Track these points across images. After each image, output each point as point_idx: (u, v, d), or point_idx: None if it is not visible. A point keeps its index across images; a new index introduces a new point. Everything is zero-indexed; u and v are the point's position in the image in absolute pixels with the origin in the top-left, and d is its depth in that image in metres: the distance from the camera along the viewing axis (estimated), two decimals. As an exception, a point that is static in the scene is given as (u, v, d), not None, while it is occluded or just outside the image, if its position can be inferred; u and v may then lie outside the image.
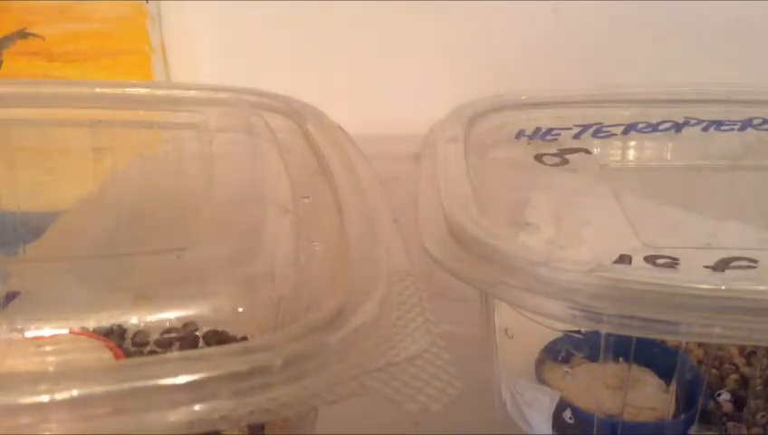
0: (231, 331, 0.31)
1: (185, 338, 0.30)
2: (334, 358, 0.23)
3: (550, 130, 0.41)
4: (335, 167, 0.34)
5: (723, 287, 0.25)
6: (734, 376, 0.33)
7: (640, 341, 0.30)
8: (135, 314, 0.30)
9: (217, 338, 0.31)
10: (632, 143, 0.41)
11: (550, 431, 0.32)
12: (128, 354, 0.29)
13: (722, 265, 0.30)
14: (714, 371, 0.33)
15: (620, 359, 0.31)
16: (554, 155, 0.39)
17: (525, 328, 0.32)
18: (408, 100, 0.54)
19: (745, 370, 0.33)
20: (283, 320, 0.29)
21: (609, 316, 0.26)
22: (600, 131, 0.41)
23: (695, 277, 0.26)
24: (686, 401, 0.31)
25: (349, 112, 0.40)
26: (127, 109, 0.41)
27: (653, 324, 0.25)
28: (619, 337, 0.30)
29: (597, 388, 0.31)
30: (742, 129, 0.41)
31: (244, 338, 0.30)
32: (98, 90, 0.41)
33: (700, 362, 0.32)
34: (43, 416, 0.20)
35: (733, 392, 0.32)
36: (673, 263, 0.30)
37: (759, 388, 0.31)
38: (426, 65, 0.54)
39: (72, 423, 0.20)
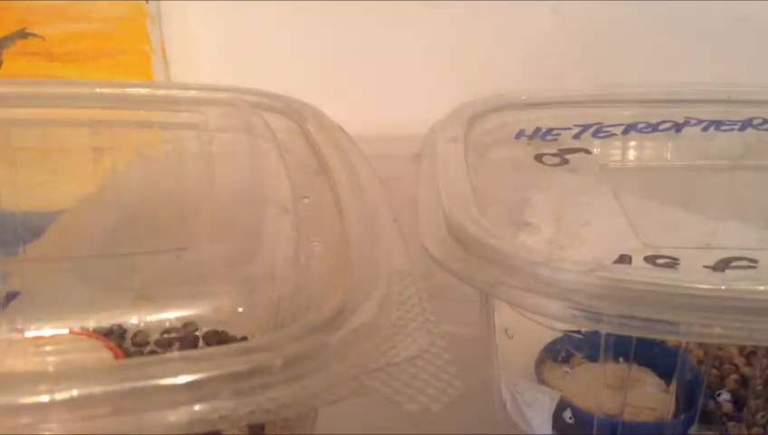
0: (231, 331, 0.31)
1: (185, 338, 0.30)
2: (334, 358, 0.23)
3: (550, 130, 0.41)
4: (335, 167, 0.34)
5: (723, 287, 0.25)
6: (734, 376, 0.33)
7: (640, 341, 0.30)
8: (135, 314, 0.30)
9: (217, 338, 0.31)
10: (632, 143, 0.41)
11: (550, 431, 0.32)
12: (128, 354, 0.29)
13: (722, 265, 0.30)
14: (714, 371, 0.33)
15: (620, 359, 0.31)
16: (554, 155, 0.39)
17: (525, 328, 0.32)
18: (408, 100, 0.54)
19: (745, 370, 0.33)
20: (283, 320, 0.29)
21: (609, 316, 0.26)
22: (600, 131, 0.41)
23: (695, 277, 0.26)
24: (686, 401, 0.31)
25: (349, 112, 0.40)
26: (127, 109, 0.41)
27: (653, 324, 0.25)
28: (619, 337, 0.30)
29: (597, 388, 0.31)
30: (742, 129, 0.41)
31: (244, 338, 0.30)
32: (98, 90, 0.41)
33: (700, 362, 0.32)
34: (43, 416, 0.20)
35: (733, 392, 0.32)
36: (673, 263, 0.30)
37: (759, 388, 0.31)
38: (426, 65, 0.54)
39: (72, 423, 0.20)
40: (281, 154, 0.37)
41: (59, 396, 0.20)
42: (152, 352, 0.30)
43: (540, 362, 0.33)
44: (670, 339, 0.32)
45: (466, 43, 0.53)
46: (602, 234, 0.33)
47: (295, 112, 0.40)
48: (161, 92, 0.42)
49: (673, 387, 0.31)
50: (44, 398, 0.20)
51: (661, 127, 0.41)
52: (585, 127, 0.41)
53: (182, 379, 0.21)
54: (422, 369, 0.24)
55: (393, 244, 0.29)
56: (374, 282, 0.26)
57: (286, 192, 0.34)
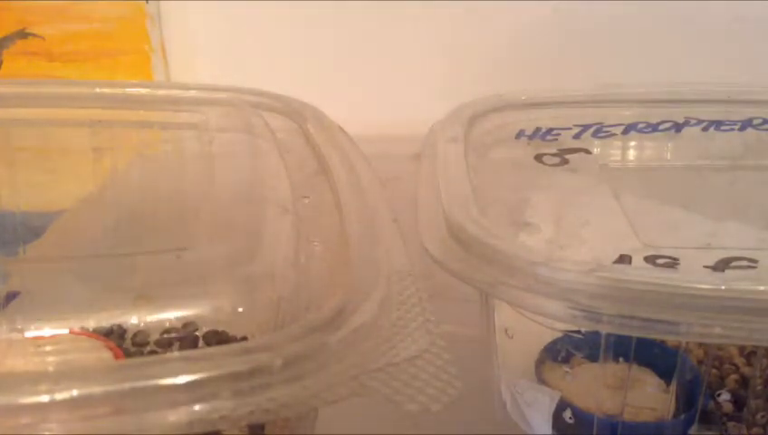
0: (231, 331, 0.31)
1: (185, 338, 0.30)
2: (334, 358, 0.23)
3: (550, 130, 0.41)
4: (335, 167, 0.34)
5: (723, 287, 0.25)
6: (734, 376, 0.33)
7: (640, 341, 0.30)
8: (135, 314, 0.30)
9: (217, 338, 0.31)
10: (632, 143, 0.41)
11: (550, 431, 0.32)
12: (128, 354, 0.29)
13: (722, 265, 0.30)
14: (714, 371, 0.33)
15: (620, 359, 0.31)
16: (554, 155, 0.39)
17: (525, 328, 0.32)
18: (408, 100, 0.54)
19: (745, 370, 0.33)
20: (283, 320, 0.29)
21: (609, 316, 0.26)
22: (600, 131, 0.41)
23: (695, 277, 0.26)
24: (686, 401, 0.31)
25: (349, 112, 0.40)
26: (127, 109, 0.41)
27: (653, 324, 0.25)
28: (619, 337, 0.30)
29: (597, 388, 0.31)
30: (742, 129, 0.41)
31: (244, 338, 0.30)
32: (98, 90, 0.41)
33: (700, 362, 0.32)
34: (43, 416, 0.20)
35: (733, 392, 0.32)
36: (673, 263, 0.30)
37: (759, 388, 0.31)
38: (426, 65, 0.54)
39: (72, 423, 0.20)
40: (281, 154, 0.37)
41: (59, 396, 0.20)
42: (152, 352, 0.30)
43: (540, 362, 0.33)
44: (670, 339, 0.32)
45: (466, 43, 0.53)
46: (602, 234, 0.33)
47: (295, 112, 0.40)
48: (161, 92, 0.42)
49: (673, 387, 0.31)
50: (44, 398, 0.20)
51: (661, 127, 0.41)
52: (585, 127, 0.41)
53: (182, 379, 0.21)
54: (422, 369, 0.24)
55: (393, 244, 0.29)
56: (374, 282, 0.26)
57: (286, 192, 0.34)
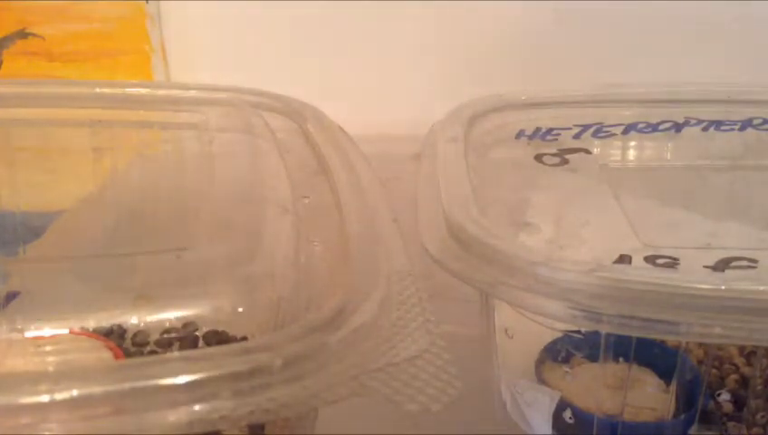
0: (231, 331, 0.31)
1: (185, 338, 0.30)
2: (334, 358, 0.23)
3: (550, 130, 0.41)
4: (335, 167, 0.34)
5: (723, 287, 0.25)
6: (734, 376, 0.33)
7: (640, 341, 0.30)
8: (135, 314, 0.30)
9: (217, 338, 0.31)
10: (632, 143, 0.41)
11: (550, 431, 0.32)
12: (128, 354, 0.29)
13: (722, 265, 0.30)
14: (714, 371, 0.33)
15: (620, 359, 0.31)
16: (554, 155, 0.39)
17: (525, 328, 0.32)
18: (408, 100, 0.54)
19: (745, 370, 0.33)
20: (283, 320, 0.29)
21: (609, 316, 0.26)
22: (600, 131, 0.41)
23: (695, 277, 0.26)
24: (686, 401, 0.31)
25: (349, 112, 0.40)
26: (127, 109, 0.41)
27: (653, 324, 0.25)
28: (619, 337, 0.30)
29: (597, 388, 0.31)
30: (742, 129, 0.41)
31: (244, 338, 0.30)
32: (98, 90, 0.41)
33: (700, 362, 0.32)
34: (43, 416, 0.20)
35: (733, 392, 0.32)
36: (673, 263, 0.30)
37: (759, 388, 0.31)
38: (426, 65, 0.54)
39: (72, 423, 0.20)
40: (281, 154, 0.37)
41: (59, 396, 0.20)
42: (152, 352, 0.30)
43: (540, 362, 0.33)
44: (670, 339, 0.32)
45: (466, 42, 0.53)
46: (602, 234, 0.33)
47: (295, 112, 0.40)
48: (161, 92, 0.42)
49: (673, 387, 0.31)
50: (44, 398, 0.20)
51: (661, 127, 0.41)
52: (585, 127, 0.41)
53: (182, 379, 0.21)
54: (422, 369, 0.24)
55: (393, 244, 0.29)
56: (374, 282, 0.26)
57: (286, 192, 0.34)
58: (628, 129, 0.41)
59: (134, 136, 0.41)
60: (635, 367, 0.31)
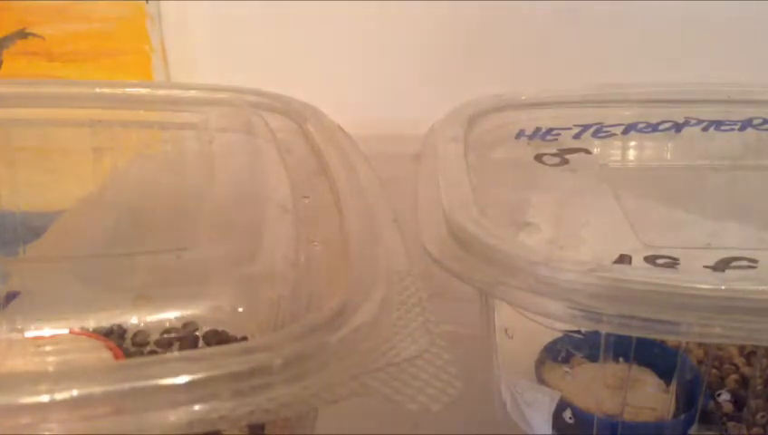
0: (231, 331, 0.31)
1: (185, 338, 0.30)
2: (334, 358, 0.23)
3: (550, 130, 0.41)
4: (335, 167, 0.34)
5: (723, 287, 0.25)
6: (734, 376, 0.33)
7: (640, 341, 0.30)
8: (135, 314, 0.30)
9: (217, 338, 0.31)
10: (632, 143, 0.41)
11: (550, 431, 0.32)
12: (128, 354, 0.29)
13: (722, 265, 0.30)
14: (714, 371, 0.33)
15: (620, 359, 0.31)
16: (554, 155, 0.39)
17: (525, 328, 0.32)
18: (408, 100, 0.54)
19: (745, 370, 0.33)
20: (283, 320, 0.29)
21: (609, 316, 0.26)
22: (600, 131, 0.41)
23: (695, 277, 0.26)
24: (686, 401, 0.31)
25: (349, 112, 0.40)
26: (127, 109, 0.41)
27: (653, 324, 0.25)
28: (619, 337, 0.30)
29: (597, 388, 0.31)
30: (742, 129, 0.41)
31: (244, 338, 0.30)
32: (98, 90, 0.41)
33: (700, 362, 0.32)
34: (43, 416, 0.20)
35: (733, 392, 0.32)
36: (673, 263, 0.30)
37: (759, 388, 0.31)
38: (426, 65, 0.54)
39: (72, 423, 0.20)
40: (281, 154, 0.37)
41: (59, 396, 0.20)
42: (152, 352, 0.30)
43: (540, 362, 0.33)
44: (670, 339, 0.32)
45: (466, 42, 0.53)
46: (602, 234, 0.33)
47: (295, 112, 0.40)
48: (161, 92, 0.42)
49: (673, 387, 0.31)
50: (44, 398, 0.20)
51: (661, 127, 0.41)
52: (585, 127, 0.41)
53: (182, 379, 0.21)
54: (422, 369, 0.24)
55: (393, 244, 0.29)
56: (374, 282, 0.26)
57: (286, 192, 0.34)
58: (628, 129, 0.41)
59: (134, 136, 0.41)
60: (635, 367, 0.31)
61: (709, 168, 0.40)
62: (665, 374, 0.32)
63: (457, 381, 0.23)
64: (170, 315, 0.31)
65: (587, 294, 0.26)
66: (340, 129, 0.39)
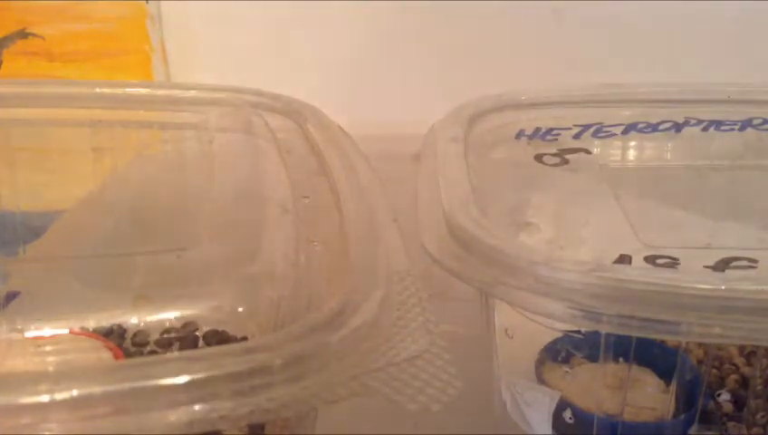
0: (231, 331, 0.31)
1: (185, 338, 0.30)
2: (334, 358, 0.23)
3: (550, 130, 0.41)
4: (335, 167, 0.34)
5: (723, 287, 0.25)
6: (734, 376, 0.33)
7: (640, 341, 0.30)
8: (135, 314, 0.30)
9: (217, 338, 0.31)
10: (632, 143, 0.41)
11: (550, 431, 0.32)
12: (128, 354, 0.29)
13: (722, 265, 0.30)
14: (714, 371, 0.33)
15: (620, 359, 0.31)
16: (554, 155, 0.39)
17: (525, 328, 0.32)
18: (408, 100, 0.54)
19: (745, 370, 0.33)
20: (283, 320, 0.29)
21: (609, 316, 0.26)
22: (600, 131, 0.41)
23: (695, 277, 0.26)
24: (686, 401, 0.31)
25: (349, 112, 0.40)
26: (127, 109, 0.41)
27: (653, 324, 0.25)
28: (619, 337, 0.30)
29: (597, 388, 0.31)
30: (742, 129, 0.41)
31: (244, 338, 0.30)
32: (98, 90, 0.41)
33: (700, 362, 0.32)
34: (43, 416, 0.20)
35: (733, 392, 0.32)
36: (673, 263, 0.30)
37: (759, 388, 0.31)
38: (426, 65, 0.54)
39: (72, 423, 0.20)
40: (281, 154, 0.37)
41: (59, 396, 0.20)
42: (152, 352, 0.30)
43: (540, 362, 0.33)
44: (670, 339, 0.32)
45: (466, 43, 0.53)
46: (602, 234, 0.33)
47: (295, 112, 0.40)
48: (161, 92, 0.42)
49: (673, 387, 0.31)
50: (44, 398, 0.20)
51: (661, 127, 0.41)
52: (585, 127, 0.41)
53: (182, 379, 0.21)
54: (422, 369, 0.24)
55: (393, 244, 0.29)
56: (374, 282, 0.26)
57: (286, 192, 0.34)
58: (628, 129, 0.41)
59: (134, 136, 0.41)
60: (635, 367, 0.31)
61: (709, 168, 0.40)
62: (665, 374, 0.32)
63: (457, 381, 0.23)
64: (170, 315, 0.30)
65: (587, 294, 0.26)
66: (340, 129, 0.39)
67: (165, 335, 0.31)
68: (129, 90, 0.42)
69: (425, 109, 0.40)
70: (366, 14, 0.53)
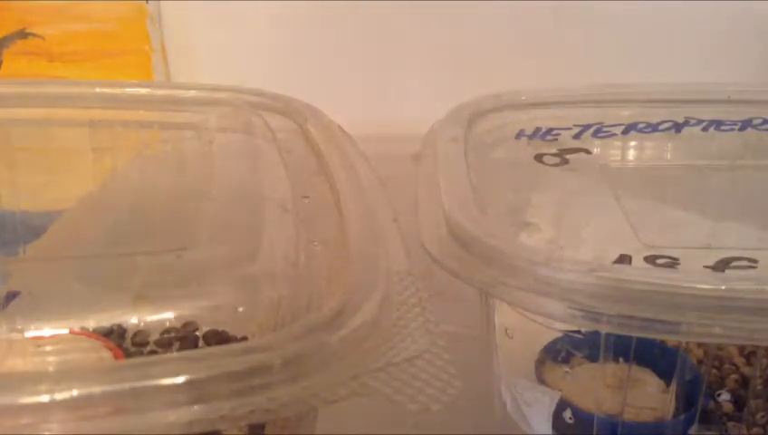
0: (231, 331, 0.31)
1: (185, 338, 0.30)
2: (334, 358, 0.23)
3: (550, 130, 0.41)
4: (335, 167, 0.34)
5: (723, 287, 0.25)
6: (734, 376, 0.33)
7: (640, 341, 0.30)
8: (135, 314, 0.30)
9: (217, 338, 0.31)
10: (632, 143, 0.41)
11: (550, 431, 0.32)
12: (128, 354, 0.29)
13: (722, 265, 0.30)
14: (714, 371, 0.33)
15: (620, 359, 0.31)
16: (554, 155, 0.39)
17: (525, 328, 0.32)
18: (408, 100, 0.54)
19: (745, 370, 0.33)
20: (283, 320, 0.29)
21: (609, 316, 0.26)
22: (600, 131, 0.41)
23: (695, 277, 0.26)
24: (686, 401, 0.31)
25: (349, 112, 0.40)
26: (127, 109, 0.41)
27: (653, 324, 0.25)
28: (619, 337, 0.30)
29: (597, 388, 0.31)
30: (742, 129, 0.41)
31: (244, 338, 0.30)
32: (98, 90, 0.41)
33: (700, 362, 0.32)
34: (43, 416, 0.20)
35: (733, 392, 0.32)
36: (673, 263, 0.30)
37: (759, 388, 0.31)
38: (426, 65, 0.54)
39: (72, 423, 0.20)
40: (281, 154, 0.37)
41: (59, 396, 0.20)
42: (152, 352, 0.30)
43: (540, 362, 0.33)
44: (670, 339, 0.32)
45: (466, 43, 0.53)
46: (602, 234, 0.33)
47: (295, 112, 0.40)
48: (161, 92, 0.42)
49: (673, 387, 0.31)
50: (44, 398, 0.20)
51: (661, 127, 0.41)
52: (585, 127, 0.41)
53: (182, 379, 0.21)
54: (422, 369, 0.24)
55: (393, 244, 0.29)
56: (374, 282, 0.26)
57: (286, 192, 0.34)
58: (628, 129, 0.41)
59: (134, 136, 0.41)
60: (635, 367, 0.31)
61: (709, 168, 0.40)
62: (665, 374, 0.32)
63: (457, 381, 0.23)
64: (170, 315, 0.30)
65: (587, 294, 0.26)
66: (341, 129, 0.39)
67: (165, 335, 0.31)
68: (128, 90, 0.42)
69: (425, 109, 0.40)
70: (366, 14, 0.53)
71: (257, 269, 0.30)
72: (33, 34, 0.54)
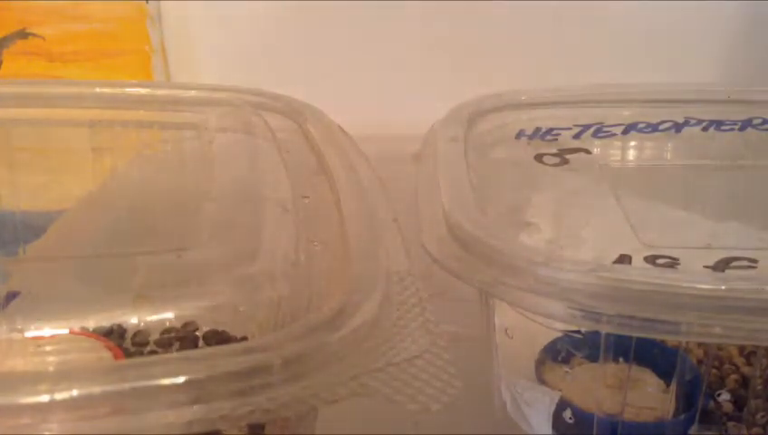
0: (231, 331, 0.31)
1: (185, 338, 0.30)
2: (334, 358, 0.23)
3: (550, 130, 0.41)
4: (335, 167, 0.34)
5: (723, 287, 0.25)
6: (734, 376, 0.33)
7: (640, 341, 0.30)
8: (135, 314, 0.30)
9: (217, 338, 0.31)
10: (632, 143, 0.41)
11: (550, 431, 0.32)
12: (128, 354, 0.29)
13: (722, 265, 0.30)
14: (714, 371, 0.33)
15: (620, 359, 0.31)
16: (554, 155, 0.39)
17: (525, 328, 0.32)
18: (408, 100, 0.54)
19: (745, 370, 0.33)
20: (283, 320, 0.29)
21: (609, 316, 0.26)
22: (600, 131, 0.41)
23: (695, 277, 0.26)
24: (686, 401, 0.31)
25: (349, 112, 0.40)
26: (127, 109, 0.41)
27: (653, 324, 0.25)
28: (619, 337, 0.30)
29: (597, 388, 0.31)
30: (742, 129, 0.41)
31: (244, 338, 0.30)
32: (98, 90, 0.41)
33: (700, 362, 0.32)
34: (43, 416, 0.20)
35: (733, 392, 0.32)
36: (673, 263, 0.30)
37: (759, 388, 0.31)
38: (426, 65, 0.54)
39: (72, 423, 0.20)
40: (281, 154, 0.37)
41: (59, 396, 0.20)
42: (152, 352, 0.30)
43: (540, 362, 0.33)
44: (670, 339, 0.32)
45: (466, 43, 0.53)
46: (602, 234, 0.33)
47: (295, 112, 0.40)
48: (161, 92, 0.42)
49: (673, 387, 0.31)
50: (44, 398, 0.20)
51: (661, 127, 0.41)
52: (585, 127, 0.41)
53: (182, 379, 0.21)
54: (422, 369, 0.24)
55: (393, 244, 0.29)
56: (374, 282, 0.26)
57: (286, 192, 0.34)
58: (628, 129, 0.41)
59: (134, 136, 0.41)
60: (635, 367, 0.31)
61: (709, 168, 0.40)
62: (665, 374, 0.32)
63: (457, 381, 0.23)
64: (170, 315, 0.30)
65: (587, 294, 0.26)
66: (341, 129, 0.39)
67: (165, 335, 0.31)
68: (128, 90, 0.42)
69: (425, 109, 0.40)
70: (366, 14, 0.53)
71: (257, 269, 0.30)
72: (33, 34, 0.54)
